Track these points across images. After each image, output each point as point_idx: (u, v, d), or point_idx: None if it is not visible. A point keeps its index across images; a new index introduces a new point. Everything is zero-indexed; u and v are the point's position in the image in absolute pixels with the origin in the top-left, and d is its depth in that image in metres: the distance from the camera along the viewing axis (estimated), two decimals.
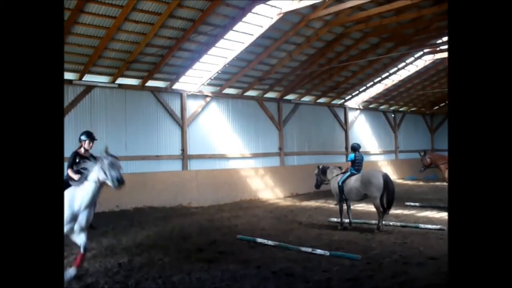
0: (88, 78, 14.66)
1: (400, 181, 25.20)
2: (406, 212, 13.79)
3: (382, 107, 27.02)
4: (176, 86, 16.64)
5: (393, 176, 25.10)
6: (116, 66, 14.42)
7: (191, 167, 17.10)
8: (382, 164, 25.72)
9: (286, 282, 6.80)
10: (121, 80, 15.34)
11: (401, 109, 28.56)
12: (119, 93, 15.46)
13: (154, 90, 16.25)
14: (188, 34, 13.47)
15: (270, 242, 9.64)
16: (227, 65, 16.10)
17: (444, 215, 13.01)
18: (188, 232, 11.44)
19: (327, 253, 8.50)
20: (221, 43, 14.63)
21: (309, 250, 8.80)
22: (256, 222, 12.86)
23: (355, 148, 11.60)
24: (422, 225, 11.15)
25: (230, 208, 15.88)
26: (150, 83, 15.98)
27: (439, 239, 9.66)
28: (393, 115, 28.02)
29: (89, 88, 14.81)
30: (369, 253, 8.55)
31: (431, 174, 22.13)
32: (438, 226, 10.88)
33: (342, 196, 11.31)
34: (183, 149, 16.85)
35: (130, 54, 13.75)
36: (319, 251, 8.63)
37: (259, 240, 9.91)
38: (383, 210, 10.74)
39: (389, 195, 10.58)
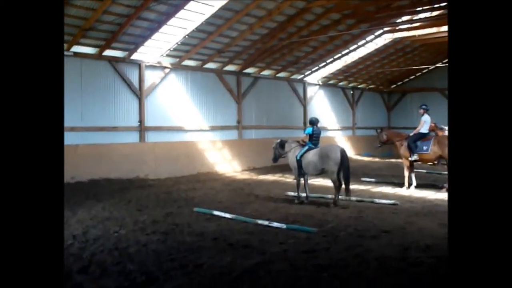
0: None
1: (357, 157, 25.61)
2: (362, 187, 14.03)
3: (341, 83, 27.23)
4: (135, 56, 16.28)
5: (350, 152, 25.48)
6: (71, 33, 13.92)
7: (149, 139, 16.88)
8: (340, 140, 26.02)
9: (242, 254, 6.84)
10: (76, 48, 14.87)
11: (359, 86, 28.85)
12: (75, 61, 14.99)
13: (112, 60, 15.86)
14: (147, 2, 13.12)
15: (227, 215, 9.67)
16: (186, 37, 15.84)
17: (398, 190, 13.31)
18: (144, 204, 11.36)
19: (284, 226, 8.58)
20: (181, 13, 14.33)
21: (266, 223, 8.87)
22: (213, 195, 12.86)
23: (313, 122, 11.63)
24: (377, 200, 11.38)
25: (187, 181, 15.82)
26: (108, 52, 15.57)
27: (392, 213, 9.90)
28: (351, 92, 28.29)
29: None
30: (325, 226, 8.68)
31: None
32: (392, 201, 11.13)
33: (300, 170, 11.39)
34: (141, 121, 16.59)
35: (86, 21, 13.30)
36: (275, 224, 8.71)
37: (216, 212, 9.92)
38: (339, 185, 10.89)
39: (345, 171, 10.72)
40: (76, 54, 14.90)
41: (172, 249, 7.18)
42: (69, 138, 14.40)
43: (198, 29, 15.49)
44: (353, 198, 11.51)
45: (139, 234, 8.23)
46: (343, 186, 10.86)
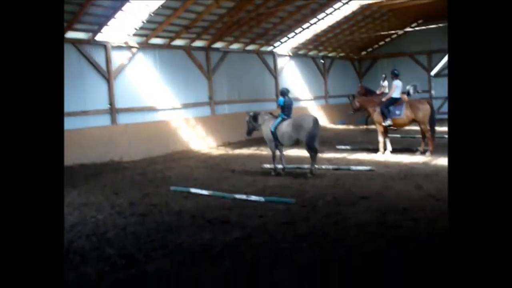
0: None
1: (331, 125, 25.70)
2: (337, 155, 14.08)
3: (311, 53, 27.11)
4: (100, 37, 15.89)
5: (324, 121, 25.58)
6: None
7: (120, 121, 16.62)
8: (313, 109, 26.05)
9: (222, 230, 6.82)
10: None
11: (330, 55, 28.79)
12: None
13: (76, 42, 15.45)
14: None
15: (204, 192, 9.61)
16: (152, 14, 15.49)
17: (373, 156, 13.41)
18: (120, 187, 11.22)
19: (262, 199, 8.59)
20: None
21: (244, 197, 8.86)
22: (189, 173, 12.77)
23: (284, 92, 11.56)
24: (353, 167, 11.46)
25: (162, 160, 15.67)
26: (70, 34, 15.12)
27: (369, 180, 9.98)
28: (322, 61, 28.23)
29: None
30: (303, 196, 8.72)
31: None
32: (368, 167, 11.22)
33: (276, 142, 11.36)
34: (111, 103, 16.30)
35: None
36: (253, 198, 8.71)
37: (193, 190, 9.85)
38: (315, 153, 10.90)
39: (313, 138, 10.69)
40: None
41: (151, 230, 7.12)
42: None
43: (163, 6, 15.16)
44: (330, 167, 11.56)
45: (116, 217, 8.14)
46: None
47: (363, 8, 22.61)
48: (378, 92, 18.95)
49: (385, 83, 19.93)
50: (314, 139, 10.74)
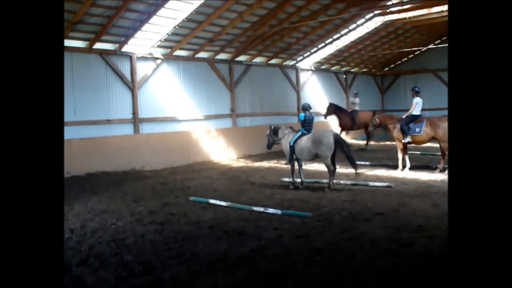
0: None
1: (352, 141, 25.68)
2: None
3: (333, 68, 27.24)
4: (125, 48, 16.27)
5: (345, 137, 25.55)
6: None
7: (143, 131, 16.93)
8: (334, 124, 26.05)
9: (238, 241, 6.95)
10: (66, 42, 14.85)
11: (352, 70, 28.86)
12: (65, 55, 14.96)
13: (103, 53, 15.85)
14: None
15: (222, 203, 9.77)
16: (177, 27, 15.83)
17: (392, 172, 13.43)
18: (141, 195, 11.44)
19: (279, 212, 8.69)
20: (170, 3, 14.31)
21: (261, 209, 8.97)
22: (209, 184, 12.95)
23: (306, 108, 11.73)
24: (371, 183, 11.49)
25: (183, 171, 15.89)
26: (98, 45, 15.54)
27: (386, 196, 10.01)
28: (344, 76, 28.30)
29: None
30: (319, 210, 8.79)
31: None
32: (386, 184, 11.24)
33: (294, 156, 11.49)
34: (134, 113, 16.62)
35: (75, 15, 13.28)
36: (270, 210, 8.82)
37: (212, 201, 10.02)
38: (333, 169, 11.00)
39: (347, 151, 10.85)
40: (66, 48, 14.88)
41: (169, 238, 7.28)
42: None
43: (188, 19, 15.48)
44: (348, 182, 11.62)
45: (136, 225, 8.33)
46: (351, 168, 11.07)
47: (387, 25, 22.69)
48: (348, 109, 21.81)
49: (356, 99, 21.94)
50: (334, 155, 10.85)
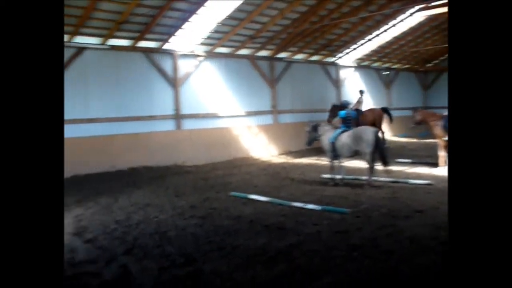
0: (79, 39, 14.61)
1: (393, 138, 25.44)
2: (397, 168, 14.00)
3: (374, 64, 26.99)
4: (168, 46, 16.60)
5: (386, 133, 25.31)
6: (107, 27, 14.36)
7: (185, 127, 17.23)
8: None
9: (277, 235, 7.06)
10: (112, 41, 15.29)
11: (394, 67, 28.51)
12: (111, 54, 15.44)
13: (146, 51, 16.23)
14: None
15: (262, 198, 9.91)
16: (218, 24, 16.03)
17: (432, 170, 13.28)
18: (182, 190, 11.69)
19: (318, 207, 8.76)
20: (212, 2, 14.52)
21: (301, 205, 9.06)
22: (249, 180, 13.11)
23: (345, 105, 11.76)
24: (411, 181, 11.41)
25: (223, 166, 16.11)
26: (142, 43, 15.94)
27: (426, 194, 9.92)
28: (387, 73, 28.00)
29: (81, 50, 14.78)
30: (358, 207, 8.81)
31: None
32: (427, 181, 11.14)
33: (334, 153, 11.52)
34: (176, 109, 16.95)
35: (121, 15, 13.66)
36: (310, 206, 8.90)
37: (252, 196, 10.17)
38: (373, 166, 10.98)
39: (380, 151, 10.80)
40: (112, 47, 15.32)
41: (210, 232, 7.46)
42: (107, 129, 14.99)
43: (229, 17, 15.65)
44: (388, 179, 11.57)
45: (177, 219, 8.55)
46: (382, 166, 10.97)
47: (430, 19, 22.33)
48: (353, 108, 19.53)
49: (362, 98, 20.98)
50: (375, 152, 10.82)
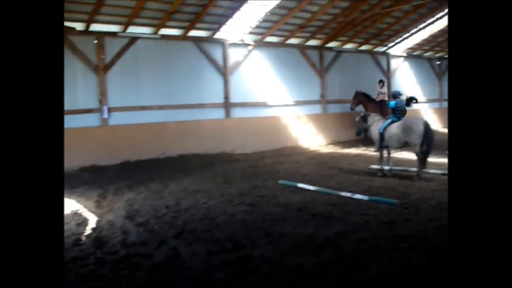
0: (132, 30, 14.96)
1: (445, 130, 24.92)
2: (447, 160, 13.75)
3: (426, 54, 26.42)
4: (218, 35, 16.77)
5: (437, 125, 24.87)
6: (159, 17, 14.65)
7: (234, 115, 17.41)
8: (426, 112, 25.41)
9: (325, 224, 7.10)
10: (163, 31, 15.58)
11: (446, 56, 27.83)
12: (162, 43, 15.74)
13: (196, 40, 16.45)
14: None
15: (310, 187, 9.95)
16: (268, 13, 16.07)
17: None
18: (231, 177, 11.86)
19: (366, 198, 8.73)
20: None
21: (349, 195, 9.05)
22: (298, 169, 13.17)
23: (396, 95, 11.62)
24: None
25: (272, 155, 16.22)
26: (192, 33, 16.17)
27: None
28: (438, 62, 27.39)
29: (133, 39, 15.13)
30: (407, 198, 8.73)
31: None
32: None
33: (383, 143, 11.42)
34: (226, 98, 17.14)
35: (172, 5, 13.89)
36: (358, 196, 8.88)
37: (300, 185, 10.22)
38: (423, 157, 10.82)
39: (428, 143, 10.61)
40: (163, 37, 15.61)
41: (258, 219, 7.56)
42: (158, 116, 15.34)
43: (279, 6, 15.67)
44: (438, 172, 11.38)
45: (226, 205, 8.71)
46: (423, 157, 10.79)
47: None
48: (377, 99, 19.26)
49: (384, 89, 19.70)
50: (423, 143, 10.66)
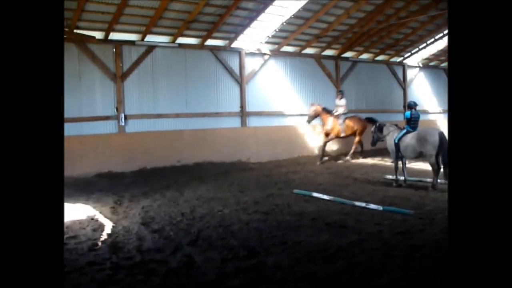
0: (149, 38, 15.17)
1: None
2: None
3: (443, 64, 26.33)
4: (235, 44, 16.92)
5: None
6: (176, 26, 14.84)
7: (250, 124, 17.52)
8: (442, 123, 25.28)
9: (339, 233, 7.14)
10: (181, 40, 15.77)
11: None
12: (180, 52, 15.94)
13: (213, 49, 16.62)
14: None
15: (325, 197, 9.97)
16: (284, 23, 16.19)
17: None
18: (246, 186, 11.94)
19: (380, 207, 8.74)
20: (278, 1, 14.70)
21: (363, 204, 9.07)
22: (313, 178, 13.21)
23: (411, 105, 11.60)
24: None
25: (287, 164, 16.27)
26: (209, 42, 16.34)
27: None
28: None
29: (151, 48, 15.34)
30: (422, 209, 8.72)
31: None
32: None
33: (398, 154, 11.42)
34: (242, 106, 17.26)
35: (190, 14, 14.08)
36: (372, 206, 8.89)
37: (315, 194, 10.26)
38: (438, 168, 10.80)
39: (443, 154, 10.59)
40: (180, 45, 15.80)
41: (272, 227, 7.62)
42: (175, 124, 15.52)
43: (295, 16, 15.79)
44: None
45: (241, 213, 8.78)
46: (442, 169, 10.75)
47: None
48: (334, 112, 17.60)
49: (342, 101, 17.75)
50: (439, 154, 10.64)
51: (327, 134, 17.42)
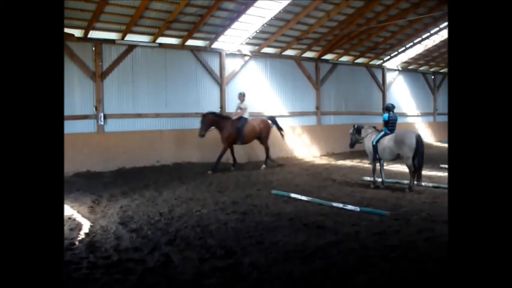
0: (130, 37, 15.11)
1: (438, 143, 25.11)
2: (440, 174, 13.89)
3: (421, 68, 26.67)
4: (215, 45, 16.93)
5: (431, 139, 25.04)
6: (157, 25, 14.81)
7: None
8: (420, 126, 25.60)
9: (316, 233, 7.19)
10: (161, 40, 15.73)
11: (441, 71, 28.08)
12: (160, 52, 15.89)
13: (194, 49, 16.61)
14: None
15: (303, 198, 10.03)
16: (265, 25, 16.26)
17: None
18: (225, 186, 11.94)
19: (358, 209, 8.83)
20: (259, 2, 14.75)
21: (341, 205, 9.15)
22: (291, 179, 13.27)
23: (389, 108, 11.73)
24: None
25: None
26: (190, 42, 16.32)
27: None
28: (432, 77, 27.62)
29: (131, 47, 15.27)
30: (398, 210, 8.83)
31: None
32: None
33: (376, 156, 11.54)
34: (222, 107, 17.26)
35: (170, 14, 14.06)
36: (350, 207, 8.98)
37: (293, 195, 10.31)
38: (415, 170, 10.94)
39: (419, 156, 10.74)
40: (161, 45, 15.77)
41: (250, 227, 7.65)
42: (155, 124, 15.45)
43: (276, 17, 15.86)
44: (430, 184, 11.50)
45: (219, 213, 8.79)
46: (416, 171, 10.91)
47: None
48: (234, 116, 15.48)
49: (244, 104, 15.64)
50: (415, 156, 10.78)
51: (227, 140, 15.32)
